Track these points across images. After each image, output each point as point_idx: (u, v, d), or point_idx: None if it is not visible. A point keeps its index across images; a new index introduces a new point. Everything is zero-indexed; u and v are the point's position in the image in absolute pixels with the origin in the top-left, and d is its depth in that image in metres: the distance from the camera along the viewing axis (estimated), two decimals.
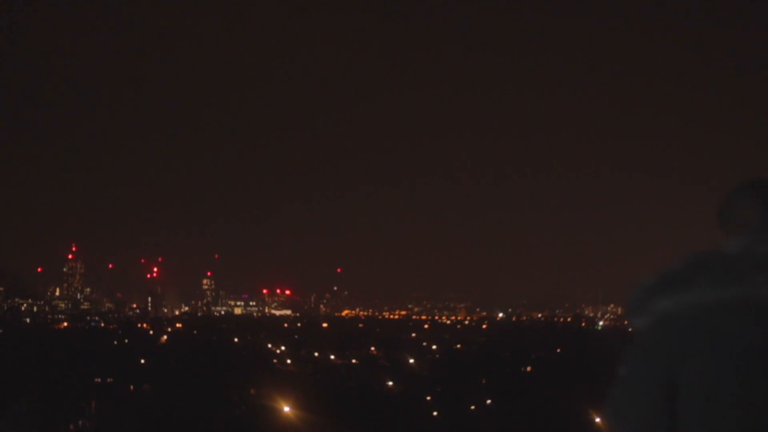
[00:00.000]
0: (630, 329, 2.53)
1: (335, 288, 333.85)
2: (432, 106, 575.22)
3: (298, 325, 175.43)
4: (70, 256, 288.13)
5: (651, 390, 2.33)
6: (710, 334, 2.27)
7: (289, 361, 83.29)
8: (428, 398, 56.17)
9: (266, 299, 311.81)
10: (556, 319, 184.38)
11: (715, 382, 2.24)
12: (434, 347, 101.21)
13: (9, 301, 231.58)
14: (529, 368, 71.08)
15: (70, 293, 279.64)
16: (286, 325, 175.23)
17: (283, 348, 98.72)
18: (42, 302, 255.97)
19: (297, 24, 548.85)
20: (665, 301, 2.35)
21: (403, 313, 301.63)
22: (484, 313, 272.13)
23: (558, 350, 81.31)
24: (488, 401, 55.00)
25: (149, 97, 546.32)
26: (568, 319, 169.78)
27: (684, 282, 2.33)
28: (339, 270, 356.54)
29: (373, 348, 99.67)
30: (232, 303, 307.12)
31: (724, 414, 2.22)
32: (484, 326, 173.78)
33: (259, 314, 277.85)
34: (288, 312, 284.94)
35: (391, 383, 65.42)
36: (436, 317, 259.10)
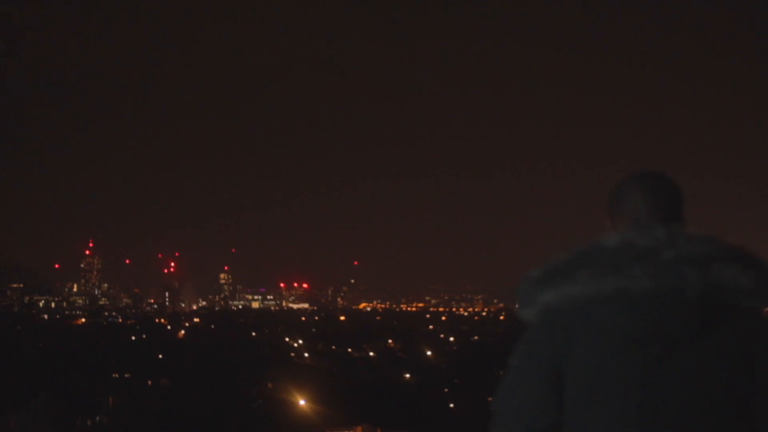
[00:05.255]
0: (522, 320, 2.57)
1: (352, 281, 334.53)
2: (449, 101, 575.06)
3: (316, 318, 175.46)
4: (87, 252, 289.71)
5: (537, 380, 2.39)
6: (591, 325, 2.34)
7: (306, 355, 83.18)
8: (446, 390, 56.11)
9: (283, 293, 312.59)
10: None
11: (596, 371, 2.32)
12: (452, 339, 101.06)
13: (27, 297, 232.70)
14: None
15: (88, 289, 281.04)
16: (303, 318, 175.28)
17: (300, 342, 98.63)
18: (60, 298, 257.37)
19: (309, 19, 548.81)
20: (549, 294, 2.41)
21: (420, 305, 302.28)
22: (502, 305, 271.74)
23: None
24: None
25: (165, 94, 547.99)
26: None
27: (566, 275, 2.38)
28: (356, 263, 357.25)
29: (390, 341, 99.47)
30: (250, 297, 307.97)
31: (606, 401, 2.30)
32: (501, 317, 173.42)
33: (277, 308, 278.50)
34: (305, 305, 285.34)
35: (408, 376, 65.37)
36: (454, 309, 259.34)
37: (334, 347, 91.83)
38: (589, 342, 2.33)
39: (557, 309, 2.39)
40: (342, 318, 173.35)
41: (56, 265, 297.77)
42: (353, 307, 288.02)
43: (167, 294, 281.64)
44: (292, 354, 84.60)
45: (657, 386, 2.27)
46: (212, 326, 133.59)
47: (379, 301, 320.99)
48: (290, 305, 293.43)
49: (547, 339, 2.40)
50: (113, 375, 61.59)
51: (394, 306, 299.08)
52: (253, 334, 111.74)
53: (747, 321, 2.33)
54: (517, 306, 2.55)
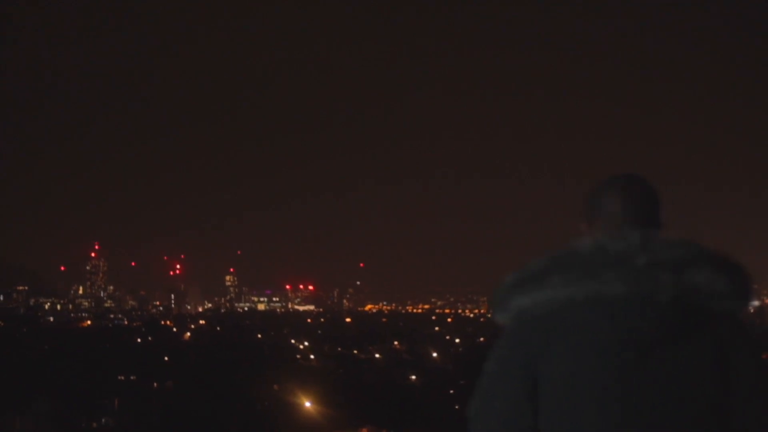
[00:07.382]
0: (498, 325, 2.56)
1: (358, 283, 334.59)
2: (453, 102, 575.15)
3: (322, 320, 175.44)
4: (93, 255, 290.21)
5: (512, 385, 2.39)
6: (565, 330, 2.33)
7: (312, 357, 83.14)
8: (451, 392, 56.05)
9: (289, 295, 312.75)
10: None
11: (571, 376, 2.31)
12: (457, 341, 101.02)
13: (32, 299, 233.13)
14: None
15: (94, 291, 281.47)
16: (309, 320, 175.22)
17: (306, 343, 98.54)
18: (65, 301, 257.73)
19: (308, 19, 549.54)
20: (523, 299, 2.40)
21: (426, 306, 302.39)
22: None
23: None
24: None
25: (166, 94, 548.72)
26: None
27: (539, 280, 2.37)
28: (362, 265, 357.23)
29: (396, 342, 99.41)
30: (256, 299, 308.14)
31: (580, 406, 2.29)
32: None
33: (283, 310, 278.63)
34: (311, 307, 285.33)
35: (414, 377, 65.30)
36: (460, 310, 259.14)
37: (339, 349, 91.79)
38: (564, 347, 2.32)
39: (531, 314, 2.38)
40: (348, 320, 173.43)
41: (62, 268, 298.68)
42: (359, 308, 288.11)
43: (173, 296, 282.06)
44: (298, 356, 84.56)
45: (633, 391, 2.26)
46: (218, 328, 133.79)
47: (384, 302, 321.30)
48: (296, 307, 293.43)
49: (521, 344, 2.40)
50: (119, 377, 61.66)
51: (400, 308, 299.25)
52: (259, 336, 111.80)
53: (722, 324, 2.32)
54: (491, 311, 2.54)
